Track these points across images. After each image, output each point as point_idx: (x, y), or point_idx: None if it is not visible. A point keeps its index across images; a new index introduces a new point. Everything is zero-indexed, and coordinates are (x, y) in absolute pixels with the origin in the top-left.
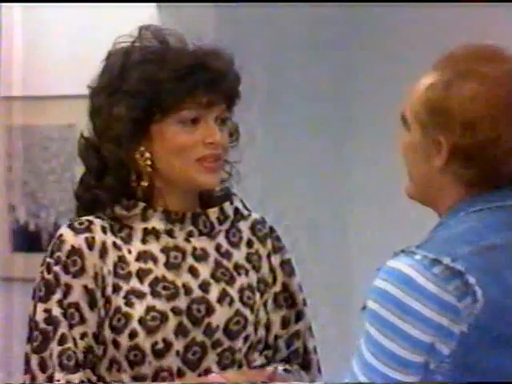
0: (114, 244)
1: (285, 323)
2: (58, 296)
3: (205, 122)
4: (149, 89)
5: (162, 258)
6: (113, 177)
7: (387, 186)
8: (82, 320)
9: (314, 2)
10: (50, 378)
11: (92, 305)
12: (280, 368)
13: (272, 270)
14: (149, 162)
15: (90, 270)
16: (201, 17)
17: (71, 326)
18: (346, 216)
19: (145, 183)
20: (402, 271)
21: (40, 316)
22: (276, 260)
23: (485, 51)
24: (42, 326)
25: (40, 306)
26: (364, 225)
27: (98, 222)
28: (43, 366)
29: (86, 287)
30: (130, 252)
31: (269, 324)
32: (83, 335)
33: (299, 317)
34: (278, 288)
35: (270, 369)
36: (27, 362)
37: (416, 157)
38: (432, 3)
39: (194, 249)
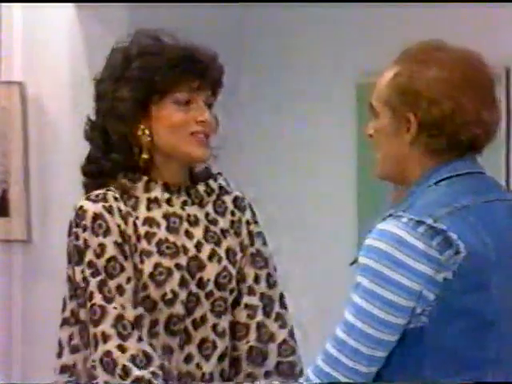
0: (126, 211)
1: (258, 278)
2: (88, 257)
3: (196, 104)
4: (148, 75)
5: (163, 222)
6: (116, 151)
7: None
8: (122, 269)
9: None
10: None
11: (125, 256)
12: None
13: (250, 234)
14: (148, 139)
15: (115, 229)
16: (116, 17)
17: (112, 277)
18: None
19: (145, 156)
20: (392, 231)
21: (79, 277)
22: (254, 228)
23: (432, 43)
24: (82, 284)
25: (77, 269)
26: None
27: (109, 194)
28: (75, 315)
29: (116, 243)
30: (137, 218)
31: (244, 277)
32: (128, 280)
33: (270, 281)
34: (254, 250)
35: None
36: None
37: (386, 138)
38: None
39: (188, 215)
